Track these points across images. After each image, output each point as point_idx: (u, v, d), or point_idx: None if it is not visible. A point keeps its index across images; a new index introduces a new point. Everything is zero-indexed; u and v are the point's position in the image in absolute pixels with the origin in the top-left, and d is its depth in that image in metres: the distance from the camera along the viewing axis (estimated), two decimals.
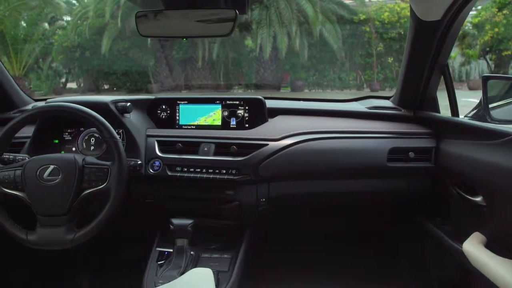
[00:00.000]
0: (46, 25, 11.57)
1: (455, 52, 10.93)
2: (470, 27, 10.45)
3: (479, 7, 10.37)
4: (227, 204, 1.40)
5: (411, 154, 1.35)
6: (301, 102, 1.71)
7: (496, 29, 9.89)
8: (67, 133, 1.49)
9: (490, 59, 11.04)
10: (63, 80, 12.61)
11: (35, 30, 10.89)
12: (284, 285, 1.58)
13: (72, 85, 12.65)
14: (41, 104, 1.41)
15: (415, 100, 1.48)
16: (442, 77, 1.41)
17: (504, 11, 9.72)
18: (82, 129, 1.48)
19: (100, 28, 10.82)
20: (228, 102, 1.50)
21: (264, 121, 1.48)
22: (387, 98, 1.68)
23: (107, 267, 1.70)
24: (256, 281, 1.23)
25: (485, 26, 9.86)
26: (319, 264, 1.65)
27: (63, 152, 1.46)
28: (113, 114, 1.36)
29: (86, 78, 12.20)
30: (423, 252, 1.51)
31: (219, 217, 1.43)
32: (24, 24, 10.84)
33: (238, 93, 11.51)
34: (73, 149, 1.47)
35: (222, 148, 1.38)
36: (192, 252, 1.29)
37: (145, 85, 11.68)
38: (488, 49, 10.70)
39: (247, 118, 1.49)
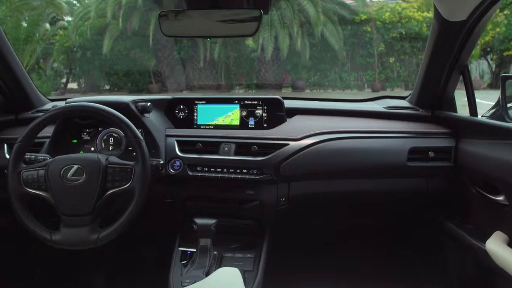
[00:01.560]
0: (47, 25, 11.55)
1: None
2: None
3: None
4: (248, 203, 1.40)
5: (431, 154, 1.36)
6: (317, 102, 1.72)
7: (498, 29, 9.92)
8: (85, 133, 1.49)
9: (491, 59, 11.07)
10: (64, 80, 12.58)
11: (36, 31, 10.86)
12: (304, 285, 1.58)
13: (73, 85, 12.64)
14: (61, 104, 1.41)
15: (433, 100, 1.48)
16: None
17: (505, 12, 9.75)
18: (101, 129, 1.48)
19: (101, 28, 10.80)
20: (246, 102, 1.50)
21: (282, 121, 1.48)
22: (403, 98, 1.69)
23: (126, 267, 1.70)
24: (279, 281, 1.23)
25: (486, 26, 9.86)
26: (337, 264, 1.66)
27: (82, 152, 1.47)
28: (134, 114, 1.36)
29: (87, 78, 12.18)
30: (441, 252, 1.52)
31: (239, 216, 1.44)
32: (26, 25, 10.81)
33: (240, 93, 11.52)
34: (92, 149, 1.47)
35: (242, 148, 1.38)
36: (215, 252, 1.30)
37: (146, 85, 11.68)
38: (489, 49, 10.73)
39: (265, 118, 1.49)
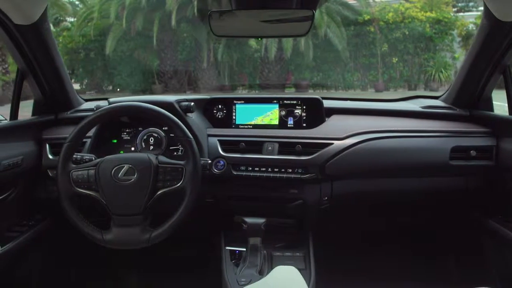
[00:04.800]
0: (51, 26, 11.52)
1: (458, 52, 11.00)
2: (474, 28, 10.51)
3: (483, 8, 10.42)
4: (291, 202, 1.41)
5: (473, 153, 1.37)
6: (351, 102, 1.72)
7: None
8: (125, 133, 1.49)
9: None
10: None
11: None
12: (356, 285, 1.59)
13: (75, 86, 12.59)
14: (103, 103, 1.41)
15: (471, 100, 1.49)
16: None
17: None
18: (141, 128, 1.49)
19: (105, 29, 10.79)
20: (285, 101, 1.51)
21: (322, 120, 1.49)
22: (435, 97, 1.70)
23: (170, 267, 1.71)
24: (330, 279, 1.24)
25: None
26: (378, 264, 1.66)
27: (122, 152, 1.47)
28: (178, 113, 1.36)
29: (91, 79, 12.16)
30: (482, 252, 1.52)
31: (282, 216, 1.44)
32: None
33: (243, 93, 11.52)
34: (132, 148, 1.48)
35: (285, 147, 1.39)
36: (264, 251, 1.30)
37: (149, 86, 11.67)
38: None
39: (304, 118, 1.50)
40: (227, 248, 1.39)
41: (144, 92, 11.45)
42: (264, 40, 10.72)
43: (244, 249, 1.35)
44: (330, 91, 11.68)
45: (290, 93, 11.41)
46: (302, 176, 1.34)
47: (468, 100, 1.50)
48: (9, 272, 1.39)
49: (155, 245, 1.16)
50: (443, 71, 10.63)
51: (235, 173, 1.38)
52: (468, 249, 1.62)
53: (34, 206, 1.49)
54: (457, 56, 11.00)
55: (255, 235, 1.29)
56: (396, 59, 11.11)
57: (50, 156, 1.44)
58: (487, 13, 1.18)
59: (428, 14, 10.56)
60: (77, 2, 11.96)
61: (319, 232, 1.48)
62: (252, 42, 11.51)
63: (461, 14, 11.31)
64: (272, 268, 1.22)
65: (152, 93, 11.38)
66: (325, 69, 11.57)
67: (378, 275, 1.64)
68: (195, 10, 10.17)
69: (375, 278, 1.62)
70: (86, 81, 12.36)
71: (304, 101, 1.50)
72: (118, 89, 11.88)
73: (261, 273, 1.23)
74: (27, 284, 1.53)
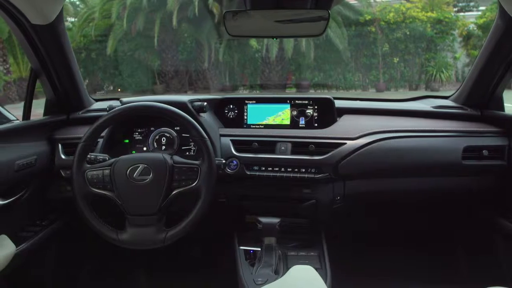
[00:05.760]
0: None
1: (459, 52, 11.01)
2: (475, 28, 10.52)
3: (484, 8, 10.44)
4: (304, 202, 1.41)
5: (485, 152, 1.37)
6: (360, 102, 1.72)
7: None
8: (137, 133, 1.50)
9: None
10: None
11: None
12: (369, 285, 1.59)
13: None
14: (115, 103, 1.41)
15: (482, 100, 1.50)
16: None
17: None
18: (153, 129, 1.49)
19: (106, 29, 10.78)
20: (297, 101, 1.51)
21: (333, 120, 1.49)
22: (445, 97, 1.70)
23: (180, 266, 1.71)
24: (346, 279, 1.24)
25: (491, 27, 9.90)
26: (391, 264, 1.67)
27: (134, 152, 1.47)
28: (191, 113, 1.36)
29: (92, 79, 12.14)
30: (493, 250, 1.53)
31: (295, 215, 1.44)
32: None
33: (244, 93, 11.52)
34: (144, 148, 1.48)
35: (299, 147, 1.39)
36: (279, 251, 1.30)
37: (150, 86, 11.66)
38: None
39: (316, 118, 1.50)
40: (241, 247, 1.39)
41: (145, 92, 11.45)
42: (266, 40, 10.72)
43: (258, 249, 1.35)
44: (331, 91, 11.69)
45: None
46: (315, 176, 1.34)
47: (480, 100, 1.51)
48: (23, 272, 1.39)
49: (167, 244, 1.17)
50: (444, 71, 10.63)
51: (248, 173, 1.38)
52: (481, 248, 1.62)
53: (46, 206, 1.49)
54: (458, 56, 11.01)
55: (270, 234, 1.30)
56: (397, 59, 11.10)
57: (63, 156, 1.44)
58: (502, 13, 1.18)
59: (429, 14, 10.56)
60: (78, 3, 11.95)
61: (332, 232, 1.48)
62: (253, 42, 11.50)
63: (462, 14, 11.31)
64: (287, 268, 1.22)
65: (153, 93, 11.36)
66: (326, 69, 11.57)
67: (393, 276, 1.64)
68: (196, 11, 10.17)
69: (389, 278, 1.62)
70: (87, 81, 12.34)
71: (315, 101, 1.51)
72: (119, 89, 11.87)
73: (277, 273, 1.24)
74: (40, 284, 1.53)
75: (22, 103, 1.47)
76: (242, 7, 1.20)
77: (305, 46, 10.63)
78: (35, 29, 1.26)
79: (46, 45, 1.34)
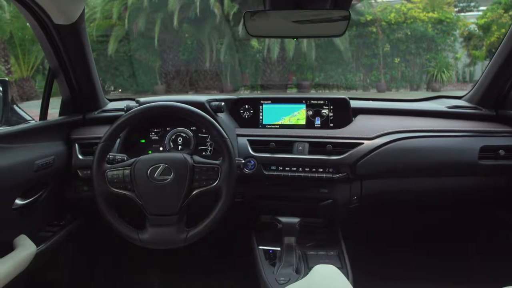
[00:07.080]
0: None
1: (460, 52, 11.03)
2: (476, 28, 10.53)
3: (485, 8, 10.46)
4: (321, 202, 1.41)
5: (501, 152, 1.38)
6: (373, 102, 1.73)
7: (503, 30, 9.98)
8: (153, 133, 1.50)
9: None
10: None
11: None
12: (390, 284, 1.60)
13: None
14: (132, 104, 1.42)
15: (497, 100, 1.50)
16: None
17: (510, 12, 9.81)
18: (169, 129, 1.49)
19: (107, 30, 10.78)
20: (312, 101, 1.52)
21: (349, 120, 1.50)
22: (458, 97, 1.71)
23: (198, 266, 1.71)
24: (366, 278, 1.25)
25: (492, 27, 9.93)
26: (407, 263, 1.67)
27: (150, 151, 1.47)
28: (209, 113, 1.37)
29: None
30: (510, 250, 1.53)
31: (312, 215, 1.45)
32: None
33: (245, 93, 11.51)
34: (160, 148, 1.48)
35: (316, 147, 1.40)
36: (299, 250, 1.30)
37: (152, 87, 11.65)
38: (494, 50, 10.75)
39: (331, 118, 1.51)
40: (260, 247, 1.39)
41: (146, 92, 11.44)
42: (267, 40, 10.74)
43: (278, 249, 1.35)
44: (332, 91, 11.70)
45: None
46: (333, 176, 1.35)
47: (494, 100, 1.51)
48: (42, 272, 1.39)
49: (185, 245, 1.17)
50: (445, 71, 10.65)
51: (266, 173, 1.38)
52: (497, 248, 1.62)
53: (63, 206, 1.49)
54: (458, 56, 11.03)
55: (290, 234, 1.30)
56: (398, 60, 11.12)
57: (80, 156, 1.44)
58: None
59: (430, 14, 10.58)
60: None
61: (349, 231, 1.48)
62: (254, 42, 11.51)
63: (463, 14, 11.33)
64: (308, 267, 1.22)
65: (154, 93, 11.36)
66: (327, 69, 11.58)
67: (412, 275, 1.65)
68: (197, 11, 10.18)
69: (408, 278, 1.63)
70: None
71: (331, 101, 1.51)
72: (120, 90, 11.86)
73: (298, 272, 1.24)
74: (56, 284, 1.53)
75: (23, 103, 1.46)
76: (261, 7, 1.20)
77: (306, 46, 10.64)
78: (58, 29, 1.26)
79: (67, 45, 1.34)
